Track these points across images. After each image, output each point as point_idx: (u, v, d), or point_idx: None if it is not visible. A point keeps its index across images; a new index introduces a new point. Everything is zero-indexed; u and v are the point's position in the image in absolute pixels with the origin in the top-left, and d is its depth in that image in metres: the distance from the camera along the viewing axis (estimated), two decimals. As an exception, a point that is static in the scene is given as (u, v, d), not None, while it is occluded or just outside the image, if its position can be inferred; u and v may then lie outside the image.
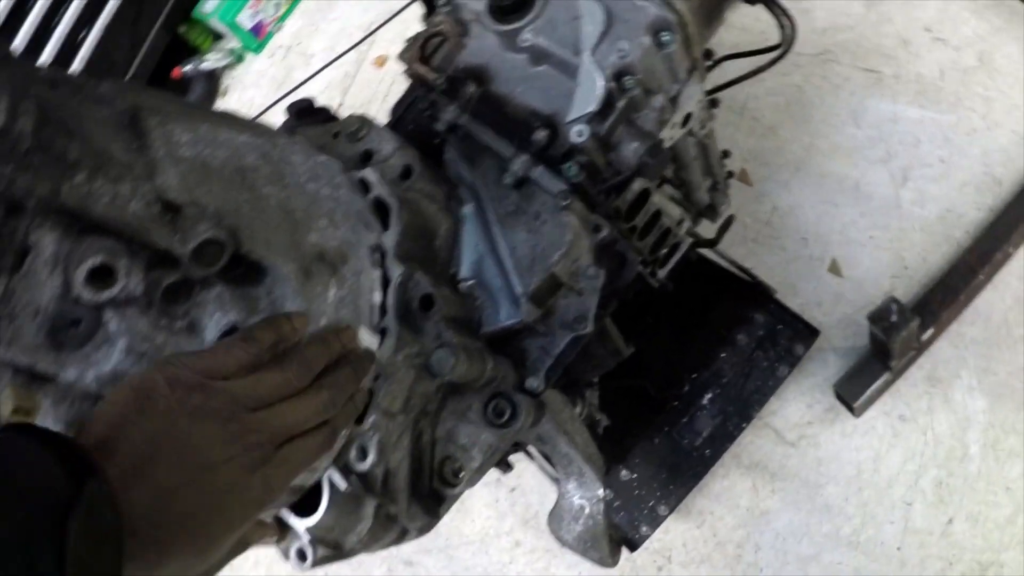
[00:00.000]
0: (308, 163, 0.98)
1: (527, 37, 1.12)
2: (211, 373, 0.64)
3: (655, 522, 1.61)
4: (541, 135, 1.08)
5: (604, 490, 1.24)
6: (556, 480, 1.34)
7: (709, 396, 1.62)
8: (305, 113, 1.29)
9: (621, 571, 1.76)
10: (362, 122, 1.14)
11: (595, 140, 1.07)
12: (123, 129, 0.78)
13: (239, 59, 3.09)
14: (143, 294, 0.76)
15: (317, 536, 1.00)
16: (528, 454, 1.70)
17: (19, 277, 0.69)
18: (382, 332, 0.99)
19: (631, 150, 1.09)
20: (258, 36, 3.01)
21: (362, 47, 2.64)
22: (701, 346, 1.65)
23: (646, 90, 1.11)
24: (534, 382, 1.09)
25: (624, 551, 1.71)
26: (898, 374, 1.63)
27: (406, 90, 1.44)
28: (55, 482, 0.51)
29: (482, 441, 1.06)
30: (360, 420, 0.98)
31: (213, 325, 0.82)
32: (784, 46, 1.45)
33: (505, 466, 1.65)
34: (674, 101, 1.17)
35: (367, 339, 0.96)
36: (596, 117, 1.06)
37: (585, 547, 1.27)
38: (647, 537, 1.61)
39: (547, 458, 1.30)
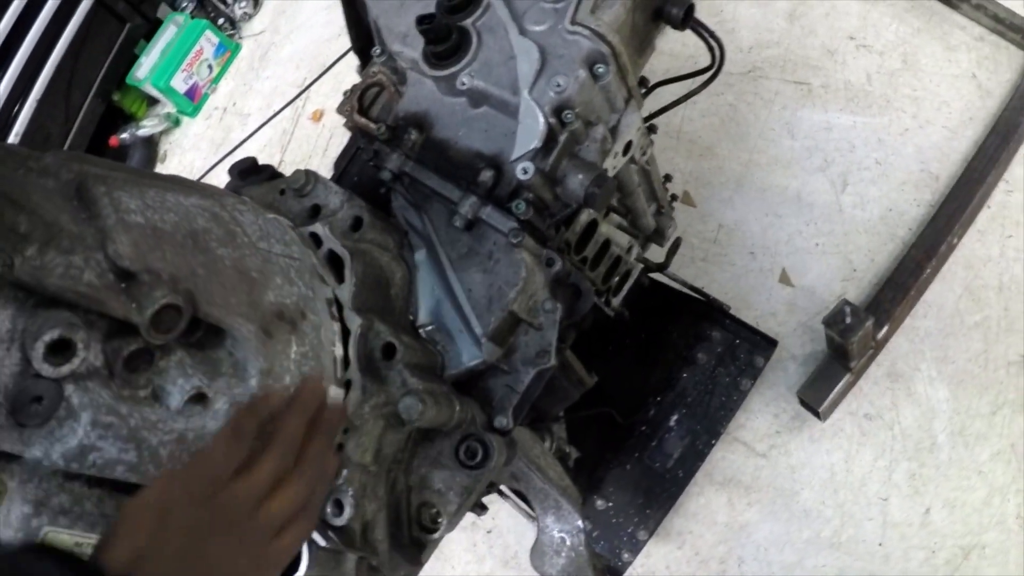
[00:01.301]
0: (258, 222, 1.00)
1: (464, 80, 1.15)
2: (216, 480, 0.68)
3: (636, 548, 1.62)
4: (487, 175, 1.11)
5: (583, 521, 1.26)
6: (532, 518, 1.35)
7: (675, 417, 1.65)
8: (249, 172, 1.30)
9: (609, 600, 1.77)
10: (307, 176, 1.16)
11: (540, 176, 1.10)
12: (71, 199, 0.79)
13: (175, 123, 3.09)
14: (103, 365, 0.77)
15: (301, 596, 1.00)
16: (501, 494, 1.71)
17: None
18: (346, 384, 1.00)
19: (577, 182, 1.12)
20: (193, 99, 3.01)
21: (297, 103, 2.68)
22: (662, 369, 1.69)
23: (586, 122, 1.15)
24: (503, 420, 1.11)
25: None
26: (859, 374, 1.68)
27: (347, 142, 1.47)
28: None
29: (457, 484, 1.07)
30: (335, 475, 0.98)
31: (177, 391, 0.82)
32: (715, 67, 1.51)
33: (480, 508, 1.65)
34: (614, 131, 1.21)
35: (333, 393, 0.98)
36: (539, 153, 1.09)
37: (570, 581, 1.28)
38: (630, 564, 1.62)
39: (522, 496, 1.31)
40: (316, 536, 0.98)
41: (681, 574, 1.73)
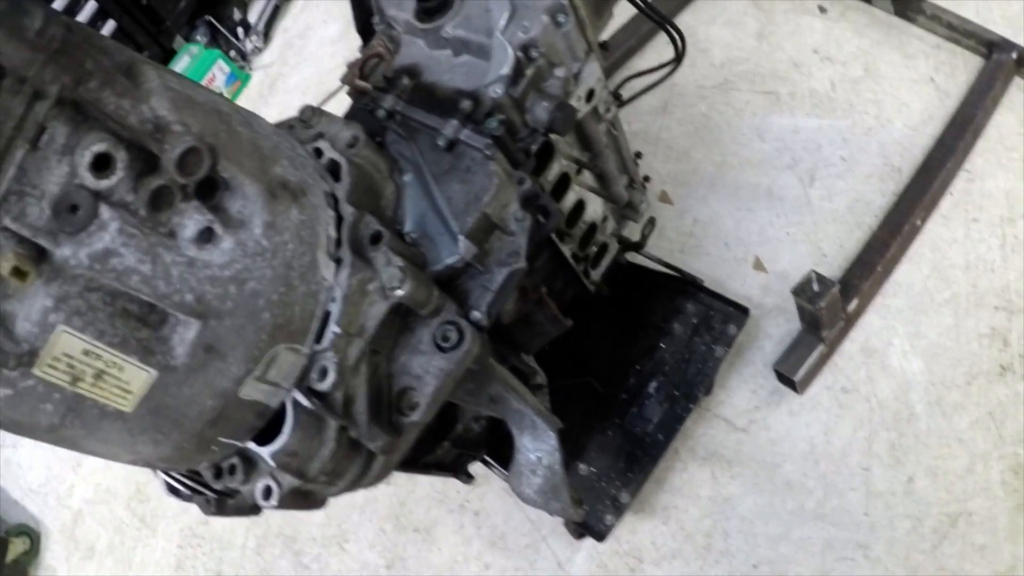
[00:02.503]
0: (269, 129, 1.19)
1: (448, 31, 1.36)
2: None
3: (619, 510, 1.71)
4: (466, 104, 1.30)
5: (557, 438, 1.37)
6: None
7: (654, 384, 1.77)
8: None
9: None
10: (313, 111, 1.35)
11: (510, 99, 1.29)
12: (122, 73, 0.97)
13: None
14: (131, 201, 0.93)
15: (281, 462, 1.12)
16: (486, 463, 1.81)
17: (33, 157, 0.86)
18: (337, 261, 1.15)
19: (542, 108, 1.30)
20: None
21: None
22: (641, 342, 1.82)
23: (550, 63, 1.35)
24: (477, 315, 1.25)
25: (594, 544, 1.80)
26: (832, 346, 1.80)
27: (350, 105, 1.68)
28: None
29: (434, 367, 1.20)
30: (319, 338, 1.13)
31: (191, 226, 0.98)
32: (677, 56, 1.73)
33: (466, 476, 1.76)
34: (576, 77, 1.41)
35: (323, 263, 1.13)
36: (510, 81, 1.29)
37: (546, 499, 1.38)
38: (612, 526, 1.70)
39: (500, 420, 1.42)
40: (300, 397, 1.11)
41: (668, 549, 1.80)
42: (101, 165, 0.88)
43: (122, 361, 0.96)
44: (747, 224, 1.96)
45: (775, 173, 1.99)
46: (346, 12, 1.56)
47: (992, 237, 1.84)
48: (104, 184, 0.90)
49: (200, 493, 1.30)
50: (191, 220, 0.98)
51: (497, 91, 1.26)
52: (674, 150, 2.06)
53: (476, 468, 1.76)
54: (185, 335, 1.00)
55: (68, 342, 0.91)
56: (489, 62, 1.33)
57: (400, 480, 2.06)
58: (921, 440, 1.74)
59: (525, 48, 1.30)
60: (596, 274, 1.76)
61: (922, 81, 1.99)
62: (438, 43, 1.39)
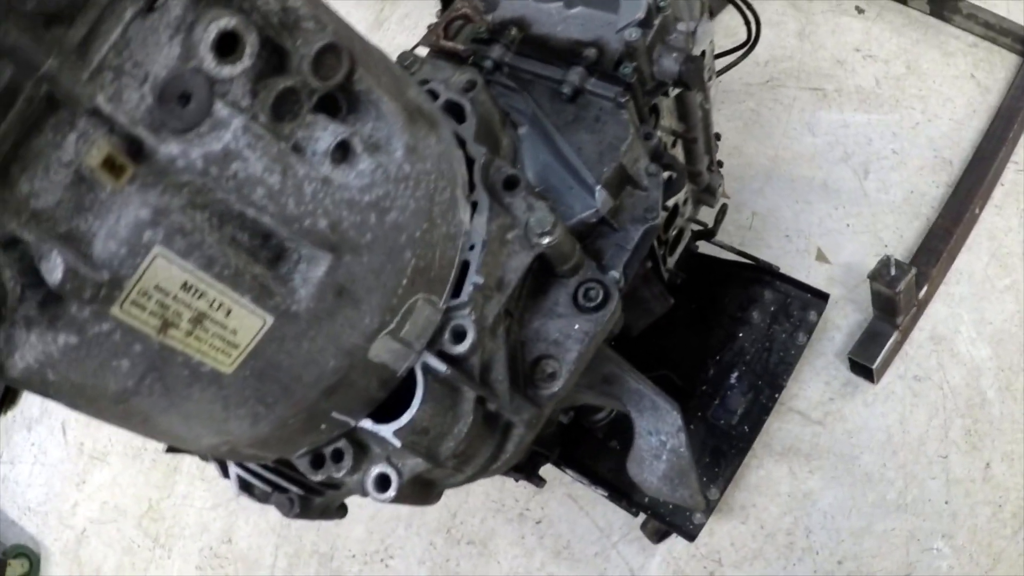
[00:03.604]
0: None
1: (558, -18, 1.14)
2: None
3: (708, 508, 1.46)
4: (591, 52, 1.08)
5: (681, 419, 1.12)
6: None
7: (735, 375, 1.54)
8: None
9: (671, 585, 1.57)
10: (413, 57, 1.10)
11: (644, 47, 1.06)
12: None
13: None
14: (249, 105, 0.67)
15: (409, 441, 0.85)
16: (558, 465, 1.54)
17: (141, 26, 0.59)
18: (473, 206, 0.90)
19: (671, 59, 1.09)
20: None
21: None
22: (717, 332, 1.59)
23: (675, 17, 1.13)
24: (615, 274, 1.01)
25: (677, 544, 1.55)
26: (905, 333, 1.60)
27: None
28: None
29: (576, 331, 0.95)
30: (457, 292, 0.86)
31: (324, 140, 0.72)
32: (752, 38, 1.54)
33: (538, 479, 1.49)
34: (693, 36, 1.19)
35: (462, 205, 0.87)
36: (640, 28, 1.06)
37: (673, 486, 1.12)
38: (702, 525, 1.45)
39: (614, 402, 1.17)
40: (435, 361, 0.85)
41: (748, 550, 1.55)
42: (226, 47, 0.63)
43: (231, 302, 0.68)
44: (806, 216, 1.77)
45: (829, 167, 1.81)
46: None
47: (1046, 225, 1.68)
48: (227, 71, 0.64)
49: (282, 490, 1.01)
50: (325, 132, 0.72)
51: (633, 35, 1.04)
52: (726, 145, 1.85)
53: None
54: (311, 274, 0.73)
55: (165, 271, 0.63)
56: (607, 12, 1.11)
57: (450, 490, 1.77)
58: (995, 426, 1.54)
59: (653, -3, 1.08)
60: (671, 261, 1.53)
61: (963, 77, 1.83)
62: (545, -5, 1.16)
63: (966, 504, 1.49)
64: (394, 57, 1.10)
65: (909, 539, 1.50)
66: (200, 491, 2.05)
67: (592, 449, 1.53)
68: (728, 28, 1.70)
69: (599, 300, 0.94)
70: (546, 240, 0.89)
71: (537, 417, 0.90)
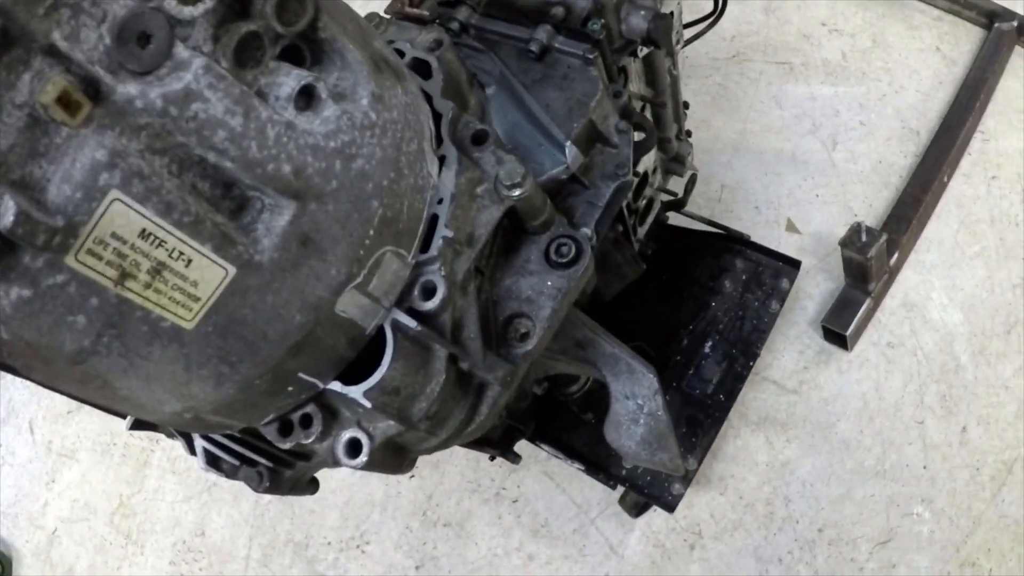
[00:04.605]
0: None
1: (525, -61, 1.12)
2: None
3: (687, 478, 1.45)
4: (558, 10, 1.07)
5: (658, 380, 1.10)
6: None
7: (709, 344, 1.53)
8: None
9: (652, 559, 1.56)
10: (380, 19, 1.08)
11: (612, 2, 1.05)
12: None
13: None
14: (211, 52, 0.64)
15: (379, 402, 0.82)
16: (533, 441, 1.52)
17: None
18: (441, 160, 0.88)
19: (640, 17, 1.08)
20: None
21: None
22: (689, 303, 1.58)
23: (640, -26, 1.12)
24: (586, 231, 1.00)
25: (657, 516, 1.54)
26: (877, 299, 1.61)
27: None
28: None
29: (549, 287, 0.94)
30: (426, 247, 0.84)
31: (287, 85, 0.69)
32: (719, 7, 1.53)
33: (513, 456, 1.47)
34: (658, -2, 1.19)
35: (430, 158, 0.85)
36: (606, -17, 1.05)
37: (652, 450, 1.11)
38: (681, 495, 1.44)
39: (588, 368, 1.15)
40: (404, 318, 0.83)
41: (728, 520, 1.55)
42: (186, -16, 0.60)
43: (192, 250, 0.66)
44: (775, 188, 1.77)
45: (797, 139, 1.81)
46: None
47: (1013, 193, 1.70)
48: (188, 12, 0.62)
49: (250, 463, 0.98)
50: (288, 77, 0.70)
51: (601, -12, 1.02)
52: (693, 119, 1.85)
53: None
54: (274, 223, 0.71)
55: (123, 216, 0.60)
56: (573, -27, 1.10)
57: (425, 471, 1.74)
58: (970, 390, 1.56)
59: (621, -46, 1.07)
60: (642, 231, 1.52)
61: (928, 50, 1.85)
62: (511, -45, 1.14)
63: (944, 468, 1.50)
64: (357, 19, 1.08)
65: (889, 505, 1.50)
66: (171, 484, 2.00)
67: (567, 423, 1.52)
68: (692, 3, 1.70)
69: (571, 256, 0.93)
70: (516, 192, 0.87)
71: (512, 375, 0.88)
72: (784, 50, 1.90)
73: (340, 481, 1.79)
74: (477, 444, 1.43)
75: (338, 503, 1.78)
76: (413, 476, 1.75)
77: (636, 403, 1.11)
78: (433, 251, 0.84)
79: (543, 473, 1.67)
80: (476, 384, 0.91)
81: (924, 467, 1.51)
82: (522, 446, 1.48)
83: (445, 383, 0.86)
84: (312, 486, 1.07)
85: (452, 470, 1.74)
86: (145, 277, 0.64)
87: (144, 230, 0.62)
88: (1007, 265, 1.64)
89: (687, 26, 1.53)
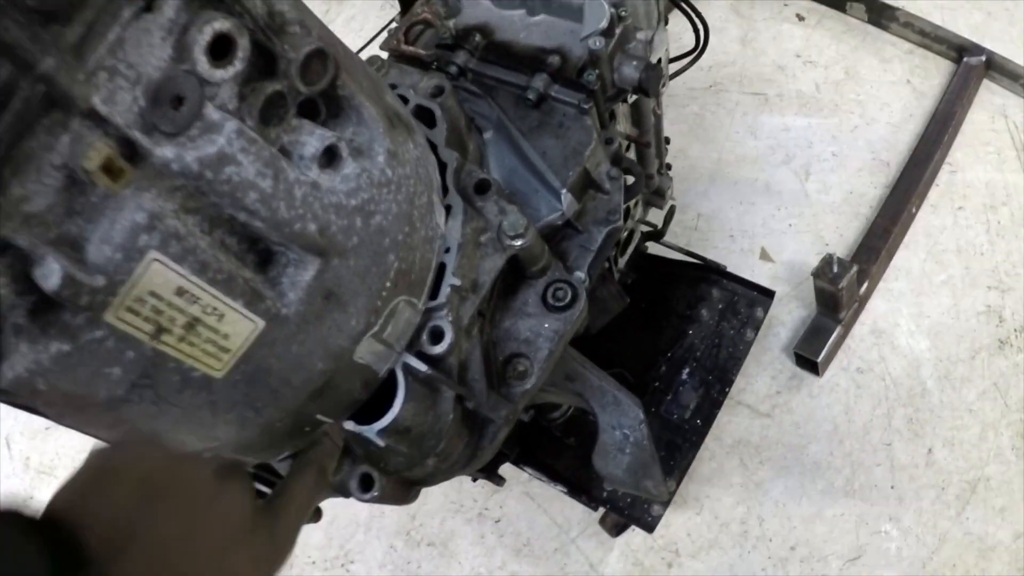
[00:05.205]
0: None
1: (522, -11, 1.19)
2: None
3: (666, 499, 1.53)
4: (554, 59, 1.13)
5: (642, 413, 1.18)
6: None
7: (687, 371, 1.61)
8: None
9: (629, 575, 1.64)
10: (380, 61, 1.14)
11: (607, 55, 1.12)
12: None
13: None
14: (236, 109, 0.69)
15: (391, 441, 0.89)
16: (517, 464, 1.59)
17: (135, 27, 0.61)
18: (447, 209, 0.94)
19: (632, 67, 1.15)
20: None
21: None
22: (667, 331, 1.66)
23: (635, 25, 1.20)
24: (580, 275, 1.07)
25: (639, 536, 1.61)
26: (847, 327, 1.71)
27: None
28: None
29: (546, 330, 1.01)
30: (435, 294, 0.91)
31: (310, 145, 0.75)
32: (701, 45, 1.61)
33: (498, 478, 1.54)
34: (650, 44, 1.26)
35: (438, 208, 0.92)
36: (604, 36, 1.12)
37: (637, 478, 1.18)
38: (661, 516, 1.51)
39: (577, 399, 1.22)
40: (415, 361, 0.89)
41: (704, 540, 1.63)
42: (220, 50, 0.65)
43: (224, 306, 0.70)
44: (750, 217, 1.86)
45: (771, 169, 1.91)
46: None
47: (978, 223, 1.81)
48: (219, 74, 0.65)
49: (260, 495, 1.03)
50: (311, 137, 0.75)
51: (598, 43, 1.09)
52: (670, 149, 1.94)
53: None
54: (299, 277, 0.76)
55: (161, 275, 0.64)
56: (571, 21, 1.17)
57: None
58: (935, 413, 1.66)
59: (616, 6, 1.14)
60: (622, 261, 1.60)
61: (899, 83, 1.96)
62: (509, 3, 1.21)
63: (911, 488, 1.60)
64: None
65: (858, 523, 1.59)
66: (149, 503, 2.03)
67: (551, 447, 1.59)
68: (672, 33, 1.78)
69: (567, 300, 1.00)
70: (518, 243, 0.94)
71: (513, 413, 0.95)
72: (759, 81, 2.00)
73: (325, 501, 1.84)
74: (464, 467, 1.50)
75: (323, 523, 1.81)
76: (397, 496, 1.81)
77: (622, 433, 1.19)
78: (441, 298, 0.90)
79: (524, 494, 1.74)
80: (480, 421, 0.98)
81: (892, 487, 1.60)
82: (504, 467, 1.55)
83: (453, 422, 0.93)
84: (316, 515, 1.12)
85: (435, 490, 1.79)
86: (180, 331, 0.68)
87: (180, 288, 0.67)
88: (972, 293, 1.75)
89: (675, 59, 1.61)
